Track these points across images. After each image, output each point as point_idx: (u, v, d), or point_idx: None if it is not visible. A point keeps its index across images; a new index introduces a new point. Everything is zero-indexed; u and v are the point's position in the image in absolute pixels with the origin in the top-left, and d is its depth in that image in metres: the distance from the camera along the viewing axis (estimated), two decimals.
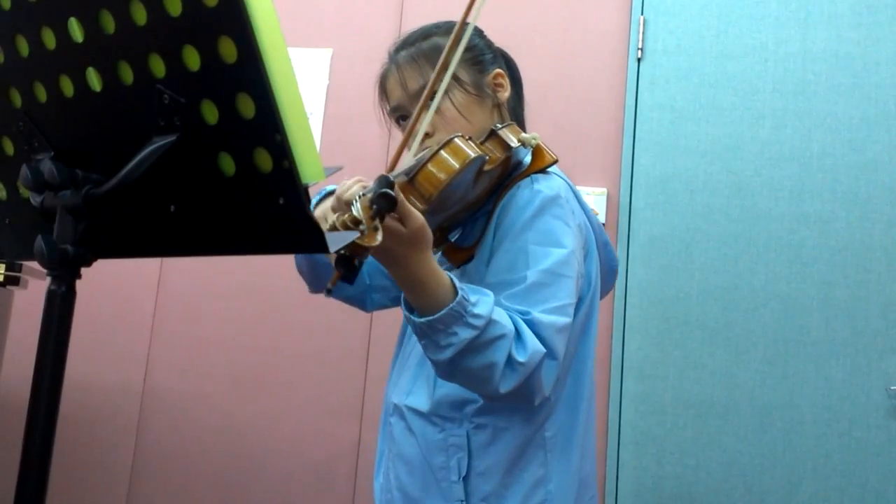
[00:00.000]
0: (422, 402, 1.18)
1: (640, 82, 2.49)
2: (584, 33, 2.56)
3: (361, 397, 2.49)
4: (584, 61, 2.54)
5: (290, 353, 2.55)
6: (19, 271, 2.12)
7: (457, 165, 1.03)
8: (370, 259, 1.34)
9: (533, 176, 1.17)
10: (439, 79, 1.10)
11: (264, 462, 2.51)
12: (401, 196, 0.93)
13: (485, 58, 1.27)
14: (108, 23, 0.73)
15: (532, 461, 1.13)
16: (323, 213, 1.17)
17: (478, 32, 1.30)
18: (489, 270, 1.11)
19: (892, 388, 2.21)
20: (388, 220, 0.92)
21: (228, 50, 0.66)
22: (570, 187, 1.20)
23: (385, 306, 1.45)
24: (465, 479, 1.13)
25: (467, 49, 1.21)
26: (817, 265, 2.30)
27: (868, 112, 2.35)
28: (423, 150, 1.11)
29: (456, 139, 1.06)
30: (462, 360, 1.00)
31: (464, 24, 1.10)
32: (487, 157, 1.10)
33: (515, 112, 1.32)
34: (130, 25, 0.71)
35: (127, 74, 0.74)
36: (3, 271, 2.11)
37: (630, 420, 2.32)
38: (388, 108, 1.30)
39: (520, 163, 1.20)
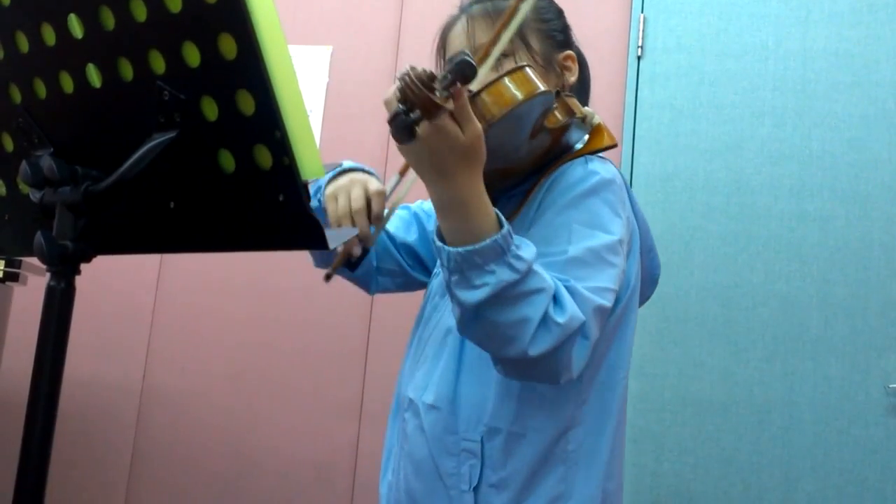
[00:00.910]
0: (439, 396, 1.08)
1: (640, 80, 2.48)
2: (583, 31, 2.54)
3: (360, 395, 2.49)
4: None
5: (289, 350, 2.55)
6: (19, 267, 2.12)
7: (522, 95, 0.94)
8: (379, 240, 1.27)
9: (587, 156, 1.08)
10: (502, 31, 1.00)
11: (263, 460, 2.51)
12: (465, 96, 0.84)
13: (558, 36, 1.19)
14: (108, 19, 0.73)
15: (551, 475, 1.03)
16: (335, 191, 1.12)
17: (557, 12, 1.24)
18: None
19: (891, 386, 2.21)
20: (447, 120, 0.83)
21: (228, 46, 0.66)
22: (625, 180, 1.11)
23: (389, 290, 1.34)
24: (476, 489, 1.03)
25: (542, 21, 1.17)
26: (817, 263, 2.30)
27: (868, 111, 2.35)
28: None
29: (527, 68, 0.97)
30: (492, 308, 0.88)
31: None
32: (555, 105, 1.01)
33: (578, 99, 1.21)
34: (130, 22, 0.71)
35: (127, 71, 0.74)
36: (2, 267, 2.11)
37: (629, 418, 2.32)
38: (443, 60, 1.20)
39: (570, 146, 1.11)
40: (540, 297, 0.88)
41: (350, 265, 1.15)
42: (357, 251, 1.09)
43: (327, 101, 2.67)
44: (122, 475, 2.57)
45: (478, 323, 0.91)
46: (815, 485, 2.21)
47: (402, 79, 0.77)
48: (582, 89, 1.23)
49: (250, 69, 0.65)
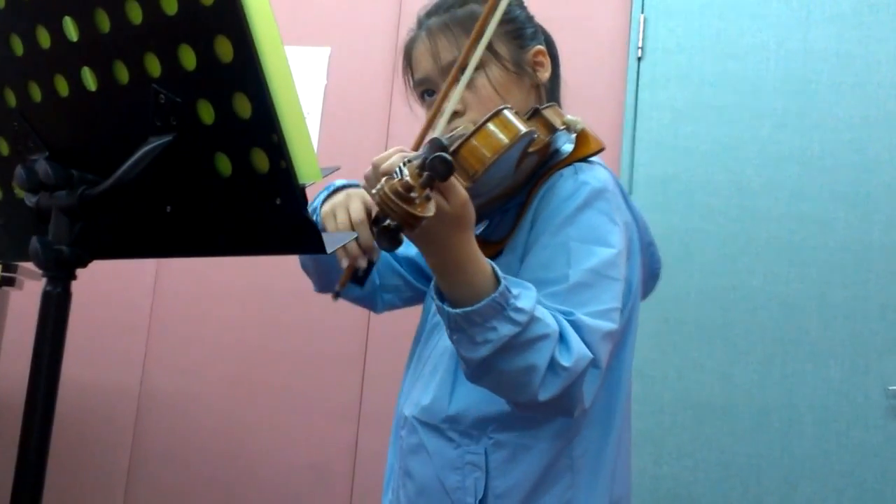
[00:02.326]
0: (436, 414, 1.07)
1: (640, 82, 2.48)
2: (584, 32, 2.56)
3: (359, 399, 2.48)
4: (583, 60, 2.54)
5: (286, 354, 2.54)
6: (15, 272, 2.12)
7: (506, 140, 0.92)
8: (382, 257, 1.24)
9: (576, 165, 1.06)
10: (473, 49, 0.98)
11: (261, 463, 2.51)
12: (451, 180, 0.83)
13: (525, 32, 1.14)
14: (104, 22, 0.72)
15: (558, 483, 1.02)
16: (332, 208, 1.08)
17: (518, 2, 1.17)
18: (524, 267, 1.00)
19: (891, 388, 2.21)
20: (433, 204, 0.81)
21: (225, 49, 0.66)
22: (616, 180, 1.09)
23: (396, 306, 1.32)
24: (483, 501, 1.02)
25: (507, 20, 1.09)
26: (816, 265, 2.30)
27: (869, 112, 2.35)
28: (452, 130, 1.01)
29: (505, 111, 0.94)
30: (498, 361, 0.88)
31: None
32: (536, 135, 0.99)
33: (553, 94, 1.19)
34: (126, 24, 0.71)
35: (122, 74, 0.73)
36: None
37: None
38: (412, 80, 1.17)
39: (557, 151, 1.09)
40: (545, 343, 0.88)
41: (357, 279, 1.13)
42: (362, 264, 1.06)
43: (325, 103, 2.67)
44: (120, 479, 2.56)
45: (486, 374, 0.92)
46: (815, 487, 2.20)
47: (375, 195, 0.76)
48: (554, 78, 1.19)
49: (247, 72, 0.65)
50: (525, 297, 0.89)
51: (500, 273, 0.90)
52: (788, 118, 2.39)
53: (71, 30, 0.75)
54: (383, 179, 0.77)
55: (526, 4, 1.19)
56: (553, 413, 0.97)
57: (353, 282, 1.11)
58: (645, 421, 2.30)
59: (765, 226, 2.34)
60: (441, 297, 0.92)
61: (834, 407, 2.23)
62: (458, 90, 0.98)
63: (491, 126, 0.92)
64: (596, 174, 1.05)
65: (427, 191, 0.77)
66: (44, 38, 0.77)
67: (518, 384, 0.89)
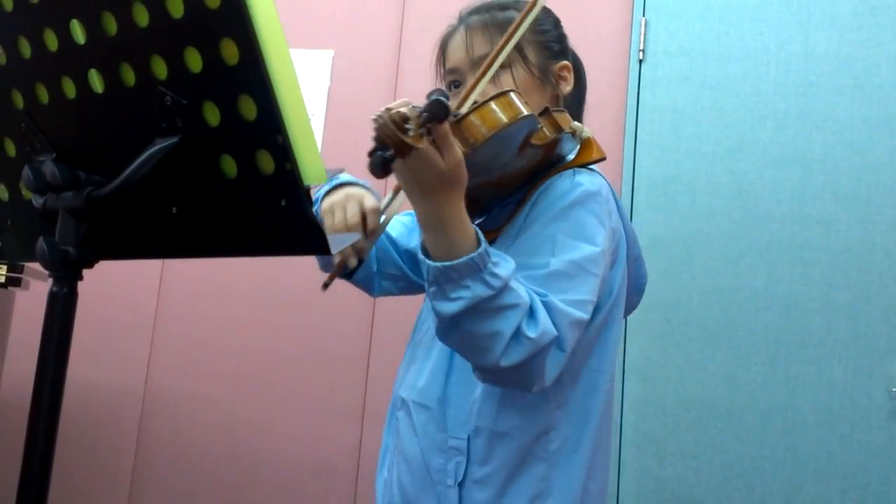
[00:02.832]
0: (428, 396, 1.13)
1: (642, 84, 2.48)
2: (585, 34, 2.55)
3: (363, 398, 2.49)
4: (585, 62, 2.52)
5: (291, 354, 2.55)
6: (21, 272, 2.13)
7: (505, 119, 0.98)
8: (381, 245, 1.33)
9: (575, 169, 1.12)
10: (503, 47, 1.04)
11: (266, 463, 2.51)
12: (446, 125, 0.88)
13: (555, 46, 1.22)
14: (110, 24, 0.73)
15: (532, 474, 1.08)
16: (331, 206, 1.15)
17: (554, 22, 1.26)
18: (511, 251, 1.04)
19: (894, 390, 2.20)
20: (427, 146, 0.87)
21: (230, 52, 0.66)
22: (612, 190, 1.15)
23: (391, 293, 1.39)
24: (461, 484, 1.08)
25: (540, 32, 1.18)
26: (819, 267, 2.30)
27: (870, 114, 2.35)
28: None
29: (511, 93, 1.00)
30: (467, 320, 0.93)
31: (535, 3, 1.06)
32: (540, 126, 1.04)
33: (572, 112, 1.22)
34: (132, 27, 0.72)
35: (129, 76, 0.74)
36: (4, 272, 2.11)
37: (631, 422, 2.32)
38: (443, 70, 1.23)
39: (562, 157, 1.15)
40: (514, 311, 0.93)
41: (346, 275, 1.22)
42: (353, 262, 1.15)
43: (329, 105, 2.67)
44: (125, 479, 2.57)
45: (453, 332, 0.96)
46: (818, 489, 2.20)
47: (375, 120, 0.81)
48: (578, 97, 1.27)
49: (252, 74, 0.65)
50: (503, 265, 0.94)
51: (482, 237, 0.95)
52: (790, 120, 2.39)
53: (78, 32, 0.76)
54: (384, 109, 0.82)
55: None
56: (513, 383, 1.01)
57: (342, 276, 1.19)
58: (648, 423, 2.30)
59: (767, 227, 2.35)
60: (425, 252, 0.97)
61: (837, 408, 2.23)
62: (484, 81, 1.04)
63: (495, 104, 0.98)
64: (593, 179, 1.11)
65: (423, 129, 0.82)
66: (51, 41, 0.78)
67: (482, 347, 0.94)
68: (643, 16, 2.52)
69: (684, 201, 2.40)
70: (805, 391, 2.25)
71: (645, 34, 2.51)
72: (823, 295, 2.28)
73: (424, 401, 1.13)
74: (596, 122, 2.49)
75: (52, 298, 0.76)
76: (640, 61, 2.50)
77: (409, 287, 1.37)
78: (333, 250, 0.69)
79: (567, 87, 1.23)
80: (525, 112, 0.99)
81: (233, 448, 2.53)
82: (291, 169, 0.66)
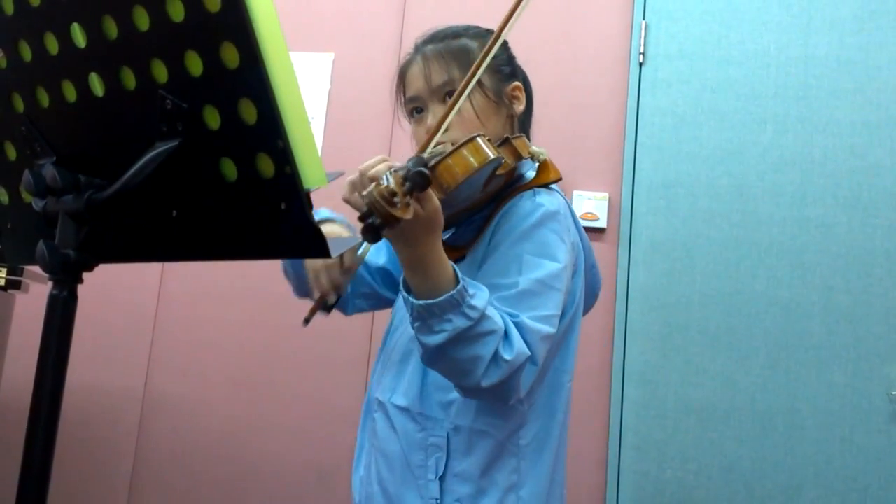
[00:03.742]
0: (407, 399, 1.21)
1: (642, 86, 2.49)
2: (585, 37, 2.57)
3: (362, 401, 2.48)
4: (585, 65, 2.55)
5: (291, 356, 2.55)
6: (21, 275, 2.13)
7: (476, 163, 1.06)
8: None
9: (536, 189, 1.20)
10: (468, 81, 1.12)
11: (265, 466, 2.51)
12: (428, 189, 0.97)
13: (505, 69, 1.30)
14: (111, 28, 0.73)
15: (505, 467, 1.17)
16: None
17: (503, 45, 1.31)
18: (481, 273, 1.14)
19: (894, 393, 2.21)
20: (413, 212, 0.95)
21: (231, 55, 0.67)
22: (569, 206, 1.24)
23: (364, 310, 1.49)
24: (442, 478, 1.16)
25: (493, 57, 1.23)
26: (819, 270, 2.30)
27: (870, 117, 2.35)
28: (437, 146, 1.15)
29: (478, 138, 1.08)
30: (451, 349, 1.02)
31: (499, 35, 1.14)
32: (503, 161, 1.13)
33: (524, 127, 1.34)
34: (133, 31, 0.72)
35: (129, 80, 0.74)
36: (4, 275, 2.11)
37: (631, 425, 2.32)
38: (403, 98, 1.31)
39: (521, 175, 1.24)
40: (491, 338, 1.03)
41: (325, 309, 1.33)
42: (332, 298, 1.27)
43: (329, 108, 2.68)
44: (125, 481, 2.57)
45: (438, 359, 1.06)
46: (818, 492, 2.20)
47: (369, 196, 0.88)
48: (528, 113, 1.35)
49: (252, 78, 0.66)
50: (479, 297, 1.04)
51: (460, 274, 1.04)
52: (789, 123, 2.39)
53: (79, 36, 0.76)
54: (372, 184, 0.89)
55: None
56: (492, 399, 1.12)
57: (321, 310, 1.31)
58: (648, 425, 2.30)
59: (767, 230, 2.35)
60: (407, 289, 1.05)
61: (837, 412, 2.23)
62: (450, 117, 1.12)
63: (465, 150, 1.07)
64: (552, 199, 1.19)
65: (408, 198, 0.90)
66: (52, 45, 0.78)
67: (465, 371, 1.04)
68: (643, 19, 2.52)
69: (684, 204, 2.40)
70: (805, 394, 2.25)
71: (645, 37, 2.51)
72: (823, 298, 2.29)
73: (403, 403, 1.21)
74: (596, 124, 2.51)
75: (52, 301, 0.76)
76: (641, 64, 2.50)
77: (380, 304, 1.47)
78: (333, 254, 0.69)
79: (520, 107, 1.30)
80: (492, 155, 1.08)
81: (232, 450, 2.53)
82: (291, 173, 0.66)
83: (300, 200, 0.67)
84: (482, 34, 1.28)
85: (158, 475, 2.56)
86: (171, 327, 2.64)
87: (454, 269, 1.04)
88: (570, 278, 1.18)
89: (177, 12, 0.68)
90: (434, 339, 1.02)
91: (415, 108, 1.28)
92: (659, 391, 2.32)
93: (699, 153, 2.42)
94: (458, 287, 1.01)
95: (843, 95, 2.37)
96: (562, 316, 1.16)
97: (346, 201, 1.10)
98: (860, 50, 2.39)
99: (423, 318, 1.03)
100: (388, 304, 1.46)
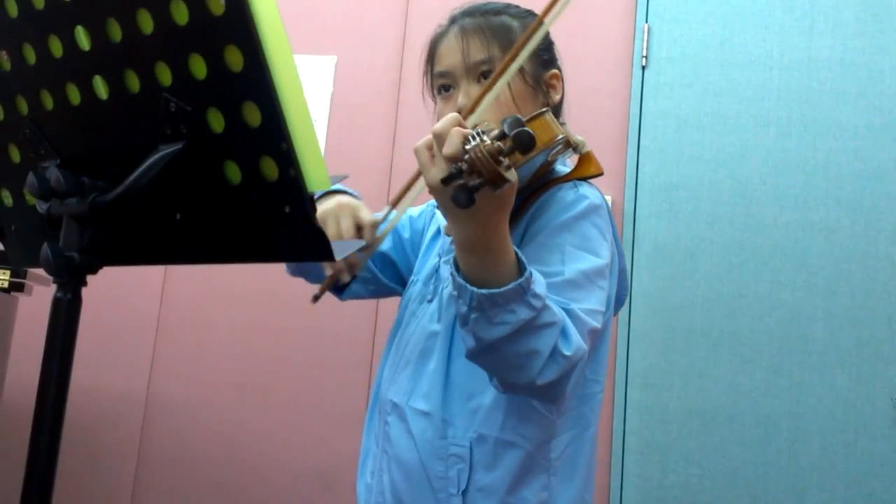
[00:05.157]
0: (428, 403, 1.10)
1: (645, 90, 2.49)
2: (588, 41, 2.57)
3: (366, 404, 2.48)
4: (588, 69, 2.55)
5: (294, 360, 2.54)
6: (24, 278, 2.13)
7: (546, 139, 0.98)
8: None
9: (576, 181, 1.12)
10: (509, 62, 1.02)
11: (268, 470, 2.51)
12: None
13: (545, 55, 1.21)
14: (115, 31, 0.73)
15: (535, 483, 1.06)
16: (323, 215, 1.10)
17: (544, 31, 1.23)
18: None
19: None
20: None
21: (235, 58, 0.67)
22: (607, 205, 1.15)
23: (360, 297, 1.35)
24: (465, 493, 1.06)
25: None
26: (822, 274, 2.30)
27: (873, 120, 2.35)
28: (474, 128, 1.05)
29: (546, 115, 0.99)
30: (508, 343, 0.91)
31: (542, 20, 1.03)
32: (565, 141, 1.04)
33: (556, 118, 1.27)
34: (137, 34, 0.72)
35: (133, 82, 0.74)
36: (8, 278, 2.12)
37: (634, 429, 2.31)
38: (431, 72, 1.19)
39: (553, 168, 1.15)
40: (551, 330, 0.92)
41: (337, 289, 1.20)
42: (345, 277, 1.13)
43: (332, 111, 2.68)
44: (127, 484, 2.56)
45: (490, 354, 0.94)
46: (821, 496, 2.20)
47: (473, 150, 0.78)
48: (560, 103, 1.26)
49: (256, 81, 0.66)
50: (540, 282, 0.92)
51: (522, 257, 0.92)
52: (793, 126, 2.39)
53: (83, 39, 0.76)
54: (476, 140, 0.79)
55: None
56: (540, 397, 1.02)
57: (332, 290, 1.17)
58: (651, 429, 2.30)
59: (770, 234, 2.34)
60: (463, 276, 0.93)
61: (840, 416, 2.22)
62: (490, 97, 1.03)
63: (536, 124, 0.97)
64: (595, 192, 1.12)
65: (509, 158, 0.80)
66: (56, 47, 0.78)
67: (519, 366, 0.92)
68: (646, 22, 2.52)
69: (687, 208, 2.40)
70: (808, 398, 2.25)
71: (648, 40, 2.51)
72: (826, 302, 2.28)
73: (423, 406, 1.11)
74: (599, 128, 2.51)
75: (57, 304, 0.76)
76: (643, 67, 2.50)
77: (378, 290, 1.34)
78: (337, 257, 0.69)
79: (557, 96, 1.22)
80: (560, 134, 0.99)
81: (235, 453, 2.53)
82: (295, 176, 0.66)
83: (304, 203, 0.67)
84: (522, 14, 1.18)
85: (161, 478, 2.56)
86: (173, 330, 2.64)
87: (517, 254, 0.93)
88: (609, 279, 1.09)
89: (181, 15, 0.68)
90: (494, 333, 0.90)
91: (443, 86, 1.16)
92: (662, 395, 2.31)
93: (702, 156, 2.42)
94: (526, 273, 0.90)
95: (846, 98, 2.37)
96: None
97: (415, 151, 0.91)
98: (863, 53, 2.38)
99: (484, 310, 0.90)
100: (387, 292, 1.35)
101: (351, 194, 1.18)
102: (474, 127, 0.85)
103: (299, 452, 2.50)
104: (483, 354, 0.95)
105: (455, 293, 0.95)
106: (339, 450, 2.47)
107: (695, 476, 2.26)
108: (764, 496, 2.22)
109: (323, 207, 1.13)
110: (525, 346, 0.91)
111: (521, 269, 0.92)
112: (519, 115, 0.81)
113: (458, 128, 0.86)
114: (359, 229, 1.10)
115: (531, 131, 0.78)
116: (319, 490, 2.47)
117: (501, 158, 0.78)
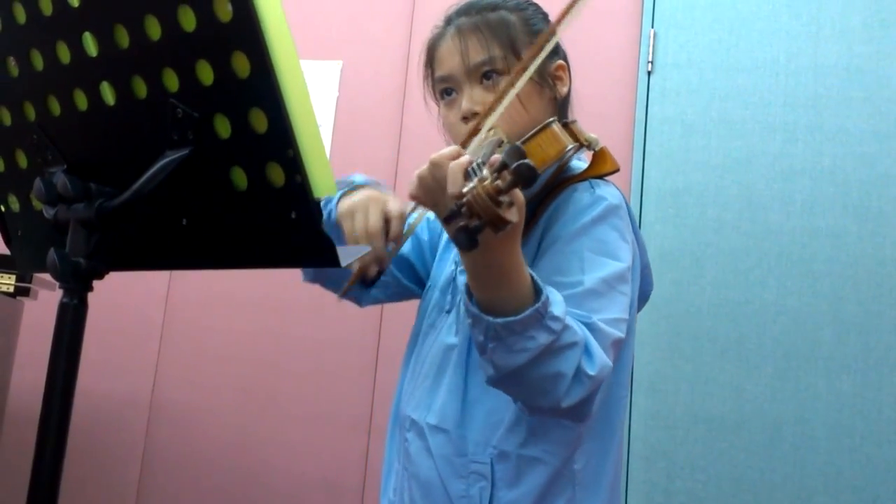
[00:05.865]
0: (444, 419, 1.07)
1: (651, 95, 2.48)
2: (594, 46, 2.57)
3: (370, 411, 2.48)
4: (594, 74, 2.55)
5: (298, 365, 2.54)
6: (30, 282, 2.14)
7: (553, 154, 0.95)
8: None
9: (591, 181, 1.08)
10: (517, 76, 0.99)
11: (272, 475, 2.51)
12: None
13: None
14: (123, 37, 0.73)
15: (560, 497, 1.03)
16: (351, 209, 1.07)
17: (545, 19, 1.17)
18: (537, 271, 0.97)
19: None
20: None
21: (242, 65, 0.67)
22: (626, 201, 1.12)
23: (380, 301, 1.32)
24: None
25: (533, 32, 1.12)
26: (829, 279, 2.29)
27: (880, 126, 2.34)
28: (484, 136, 1.01)
29: (553, 125, 0.96)
30: (529, 369, 0.88)
31: (554, 30, 1.01)
32: (576, 149, 1.01)
33: (563, 110, 1.18)
34: (144, 40, 0.72)
35: (140, 88, 0.74)
36: (13, 282, 2.12)
37: (640, 435, 2.31)
38: (432, 77, 1.16)
39: (569, 166, 1.11)
40: (573, 351, 0.89)
41: (364, 283, 1.16)
42: (373, 271, 1.08)
43: (337, 116, 2.68)
44: (131, 489, 2.57)
45: (512, 381, 0.92)
46: (828, 502, 2.18)
47: (471, 193, 0.73)
48: (568, 95, 1.21)
49: (263, 88, 0.66)
50: (557, 304, 0.89)
51: (538, 280, 0.89)
52: (799, 132, 2.38)
53: (91, 45, 0.76)
54: (474, 181, 0.75)
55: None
56: (567, 418, 0.98)
57: (360, 284, 1.14)
58: (657, 435, 2.29)
59: (776, 239, 2.34)
60: (478, 305, 0.90)
61: (847, 421, 2.21)
62: (501, 108, 1.00)
63: (542, 139, 0.95)
64: (612, 191, 1.08)
65: (510, 195, 0.75)
66: (64, 54, 0.78)
67: (543, 390, 0.89)
68: (652, 27, 2.52)
69: (693, 213, 2.39)
70: (815, 404, 2.24)
71: (654, 46, 2.51)
72: (833, 307, 2.27)
73: (441, 423, 1.07)
74: (605, 133, 2.48)
75: (63, 309, 0.76)
76: (649, 73, 2.50)
77: (399, 294, 1.31)
78: (343, 263, 0.68)
79: (564, 88, 1.17)
80: (570, 144, 0.97)
81: (239, 459, 2.53)
82: (302, 182, 0.66)
83: (310, 209, 0.67)
84: (521, 6, 1.14)
85: (165, 483, 2.56)
86: (178, 335, 2.64)
87: (532, 276, 0.89)
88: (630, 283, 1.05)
89: (188, 22, 0.69)
90: (514, 361, 0.87)
91: (445, 90, 1.13)
92: (668, 400, 2.31)
93: (708, 162, 2.42)
94: (542, 297, 0.86)
95: (852, 104, 2.37)
96: None
97: (415, 198, 0.92)
98: (870, 58, 2.38)
99: (501, 339, 0.87)
100: (409, 295, 1.31)
101: (376, 184, 1.15)
102: (470, 162, 0.83)
103: (303, 458, 2.49)
104: (504, 382, 0.93)
105: (470, 321, 0.92)
106: (342, 456, 2.47)
107: (700, 482, 2.26)
108: (769, 502, 2.21)
109: (351, 200, 1.09)
110: (548, 370, 0.88)
111: (536, 291, 0.88)
112: (519, 145, 0.77)
113: (457, 163, 0.83)
114: (387, 222, 1.06)
115: (532, 164, 0.73)
116: (322, 496, 2.46)
117: (501, 199, 0.74)
